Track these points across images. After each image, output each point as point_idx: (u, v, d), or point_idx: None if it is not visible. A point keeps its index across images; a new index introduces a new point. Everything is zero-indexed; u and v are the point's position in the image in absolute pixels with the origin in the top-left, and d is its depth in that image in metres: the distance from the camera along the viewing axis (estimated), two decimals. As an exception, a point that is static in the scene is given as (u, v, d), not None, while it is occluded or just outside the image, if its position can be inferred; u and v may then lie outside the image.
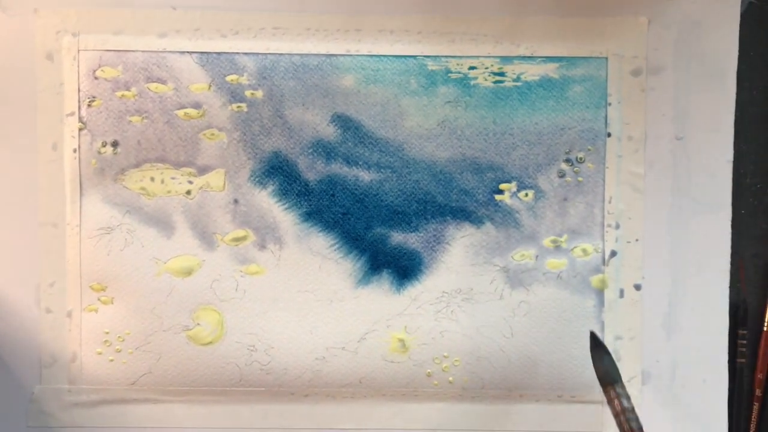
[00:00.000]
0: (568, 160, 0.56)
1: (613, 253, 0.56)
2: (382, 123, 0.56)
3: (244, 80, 0.55)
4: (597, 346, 0.50)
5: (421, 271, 0.56)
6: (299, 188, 0.56)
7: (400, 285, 0.56)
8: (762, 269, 0.58)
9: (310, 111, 0.55)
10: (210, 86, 0.55)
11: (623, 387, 0.49)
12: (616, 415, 0.48)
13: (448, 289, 0.56)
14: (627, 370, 0.56)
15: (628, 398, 0.48)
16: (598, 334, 0.56)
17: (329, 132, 0.56)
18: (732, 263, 0.57)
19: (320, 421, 0.57)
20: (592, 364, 0.50)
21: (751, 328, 0.57)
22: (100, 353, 0.56)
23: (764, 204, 0.57)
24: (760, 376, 0.57)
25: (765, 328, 0.57)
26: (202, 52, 0.55)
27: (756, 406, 0.57)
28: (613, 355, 0.56)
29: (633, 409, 0.48)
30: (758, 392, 0.57)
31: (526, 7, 0.56)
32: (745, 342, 0.57)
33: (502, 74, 0.56)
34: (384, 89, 0.55)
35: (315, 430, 0.57)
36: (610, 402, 0.48)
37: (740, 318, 0.57)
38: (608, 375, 0.49)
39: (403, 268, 0.56)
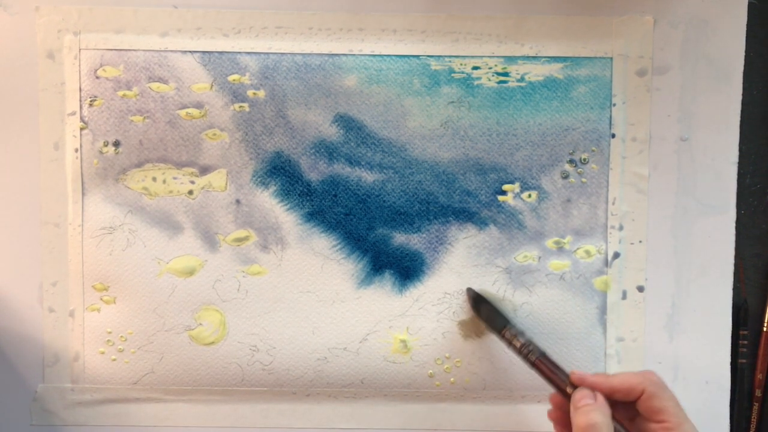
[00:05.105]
0: (571, 161, 0.56)
1: (617, 255, 0.56)
2: (384, 123, 0.55)
3: (246, 80, 0.55)
4: (476, 299, 0.55)
5: (423, 272, 0.56)
6: (301, 189, 0.56)
7: (402, 286, 0.56)
8: (762, 269, 0.57)
9: (312, 111, 0.55)
10: (212, 86, 0.55)
11: (514, 326, 0.52)
12: (518, 352, 0.51)
13: (450, 290, 0.56)
14: (629, 371, 0.56)
15: (523, 334, 0.51)
16: (601, 335, 0.56)
17: (332, 132, 0.55)
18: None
19: (321, 420, 0.57)
20: (485, 323, 0.54)
21: (752, 329, 0.57)
22: (102, 353, 0.56)
23: (764, 204, 0.57)
24: (760, 376, 0.57)
25: (765, 329, 0.57)
26: (204, 52, 0.55)
27: (756, 407, 0.57)
28: (616, 357, 0.56)
29: (531, 341, 0.51)
30: (758, 392, 0.57)
31: (530, 6, 0.55)
32: (746, 342, 0.57)
33: (506, 74, 0.55)
34: (387, 89, 0.55)
35: (316, 429, 0.57)
36: (509, 344, 0.51)
37: (741, 318, 0.57)
38: (498, 320, 0.53)
39: (405, 269, 0.56)
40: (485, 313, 0.54)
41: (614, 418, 0.46)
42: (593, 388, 0.47)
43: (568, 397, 0.48)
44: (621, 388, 0.47)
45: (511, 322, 0.52)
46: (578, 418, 0.46)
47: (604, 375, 0.48)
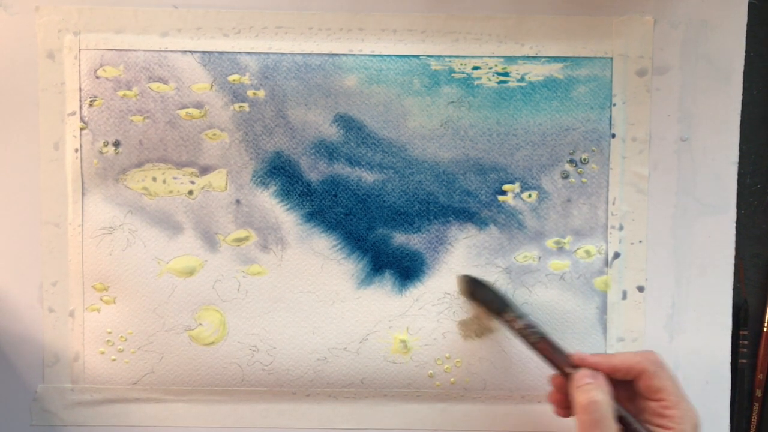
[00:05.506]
0: (572, 161, 0.56)
1: (617, 255, 0.56)
2: (384, 123, 0.55)
3: (246, 80, 0.55)
4: (474, 283, 0.54)
5: (423, 272, 0.56)
6: (301, 189, 0.56)
7: (402, 286, 0.56)
8: (762, 269, 0.57)
9: (312, 111, 0.55)
10: (212, 86, 0.55)
11: (515, 308, 0.52)
12: (519, 334, 0.51)
13: (450, 290, 0.56)
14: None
15: (523, 316, 0.51)
16: (601, 335, 0.56)
17: (332, 132, 0.55)
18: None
19: (321, 420, 0.57)
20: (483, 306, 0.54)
21: (752, 329, 0.57)
22: (102, 353, 0.56)
23: (764, 204, 0.57)
24: (760, 376, 0.57)
25: (765, 329, 0.57)
26: (204, 52, 0.55)
27: (756, 407, 0.57)
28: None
29: (531, 323, 0.51)
30: (758, 392, 0.57)
31: (530, 6, 0.55)
32: (746, 342, 0.57)
33: (506, 74, 0.55)
34: (387, 89, 0.55)
35: (316, 429, 0.57)
36: (510, 326, 0.51)
37: (741, 318, 0.57)
38: (498, 304, 0.53)
39: (405, 269, 0.56)
40: (483, 297, 0.54)
41: (614, 397, 0.46)
42: (594, 367, 0.48)
43: (568, 378, 0.48)
44: (621, 367, 0.47)
45: (510, 305, 0.53)
46: (579, 397, 0.46)
47: (604, 355, 0.49)
